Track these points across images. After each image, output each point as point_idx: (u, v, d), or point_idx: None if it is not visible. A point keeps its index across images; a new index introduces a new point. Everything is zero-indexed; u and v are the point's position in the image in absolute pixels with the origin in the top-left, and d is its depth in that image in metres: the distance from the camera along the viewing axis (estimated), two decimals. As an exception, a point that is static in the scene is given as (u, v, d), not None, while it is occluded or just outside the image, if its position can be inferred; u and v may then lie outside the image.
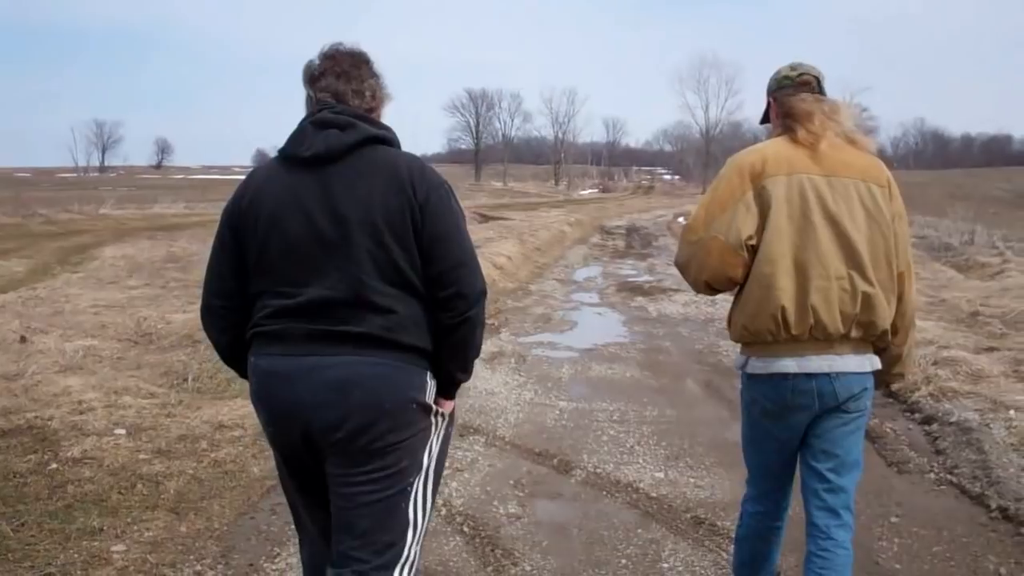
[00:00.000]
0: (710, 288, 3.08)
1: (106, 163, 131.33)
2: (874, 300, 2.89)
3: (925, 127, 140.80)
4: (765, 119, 3.26)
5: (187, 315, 9.92)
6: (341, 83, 2.71)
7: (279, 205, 2.60)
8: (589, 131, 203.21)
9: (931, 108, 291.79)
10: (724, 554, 4.29)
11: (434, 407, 2.71)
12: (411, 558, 2.73)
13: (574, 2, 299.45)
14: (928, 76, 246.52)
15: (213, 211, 41.74)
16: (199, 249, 18.75)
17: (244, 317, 2.72)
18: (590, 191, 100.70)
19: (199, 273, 12.44)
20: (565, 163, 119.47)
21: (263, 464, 5.43)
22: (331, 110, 2.65)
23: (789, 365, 2.92)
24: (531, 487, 5.27)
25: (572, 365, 8.79)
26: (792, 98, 3.04)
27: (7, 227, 25.18)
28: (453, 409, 2.87)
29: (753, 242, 2.91)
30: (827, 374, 2.91)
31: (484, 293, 2.69)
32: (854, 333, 2.91)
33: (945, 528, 4.65)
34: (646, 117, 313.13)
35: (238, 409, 6.50)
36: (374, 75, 2.79)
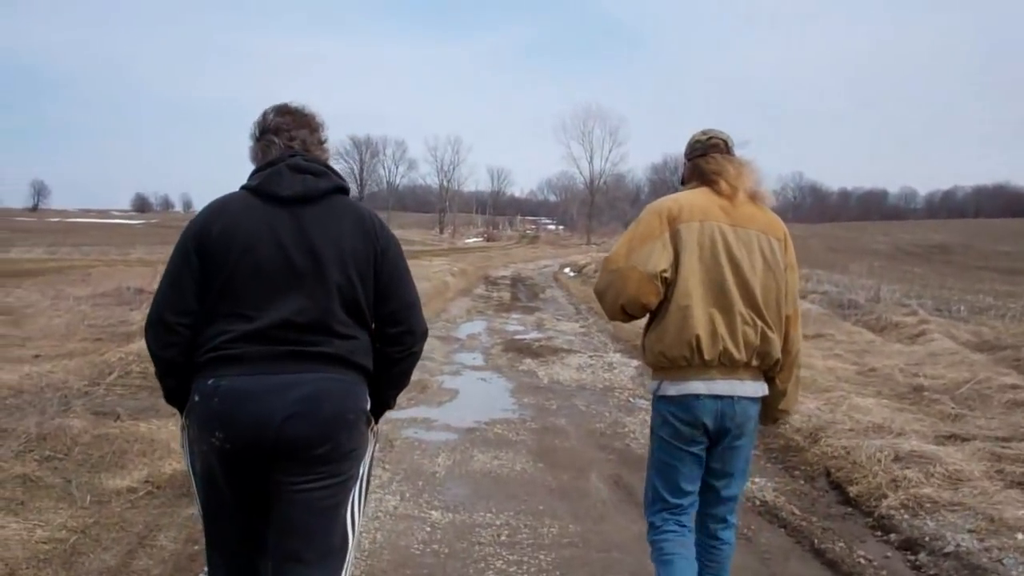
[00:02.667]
0: (624, 313, 3.43)
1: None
2: (769, 335, 3.32)
3: (803, 181, 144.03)
4: (683, 181, 3.67)
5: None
6: (309, 134, 3.06)
7: (254, 235, 2.81)
8: (474, 180, 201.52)
9: (809, 163, 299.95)
10: None
11: (372, 421, 3.01)
12: (350, 561, 2.97)
13: (458, 51, 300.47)
14: (807, 131, 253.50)
15: (77, 255, 39.15)
16: (38, 300, 16.54)
17: (191, 336, 2.85)
18: (475, 240, 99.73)
19: (31, 327, 10.30)
20: (450, 211, 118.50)
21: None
22: (303, 157, 2.95)
23: (699, 387, 3.30)
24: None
25: (450, 453, 7.15)
26: (704, 158, 3.49)
27: None
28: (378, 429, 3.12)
29: (667, 275, 3.30)
30: (730, 396, 3.31)
31: (427, 333, 3.09)
32: (754, 362, 3.34)
33: None
34: (531, 167, 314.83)
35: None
36: (326, 132, 3.14)
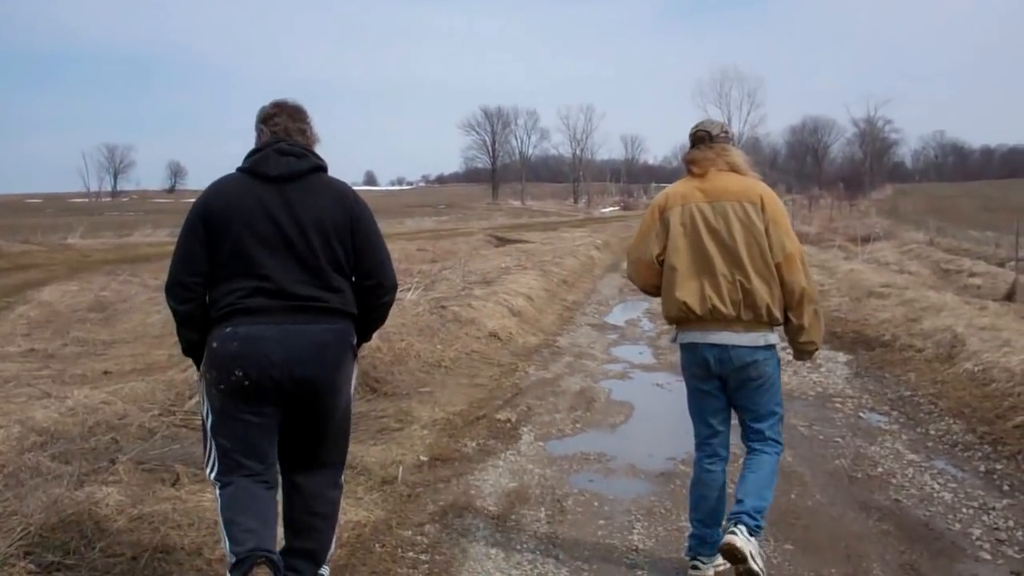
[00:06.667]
0: (647, 292, 4.36)
1: (118, 188, 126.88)
2: (753, 290, 3.93)
3: (945, 139, 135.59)
4: None
5: (15, 430, 5.65)
6: (291, 122, 3.64)
7: (250, 210, 3.42)
8: (607, 148, 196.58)
9: (951, 120, 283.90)
10: None
11: (356, 351, 3.69)
12: (345, 456, 3.85)
13: (588, 18, 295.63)
14: (948, 89, 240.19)
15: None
16: (137, 292, 14.89)
17: (203, 293, 3.48)
18: (611, 209, 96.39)
19: (123, 326, 7.80)
20: (584, 181, 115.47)
21: None
22: (286, 143, 3.54)
23: (696, 336, 4.06)
24: None
25: (648, 521, 4.93)
26: (690, 152, 4.24)
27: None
28: None
29: (662, 258, 4.12)
30: (724, 345, 3.98)
31: (396, 286, 3.76)
32: (744, 315, 3.94)
33: None
34: (664, 133, 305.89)
35: None
36: (310, 122, 3.74)
